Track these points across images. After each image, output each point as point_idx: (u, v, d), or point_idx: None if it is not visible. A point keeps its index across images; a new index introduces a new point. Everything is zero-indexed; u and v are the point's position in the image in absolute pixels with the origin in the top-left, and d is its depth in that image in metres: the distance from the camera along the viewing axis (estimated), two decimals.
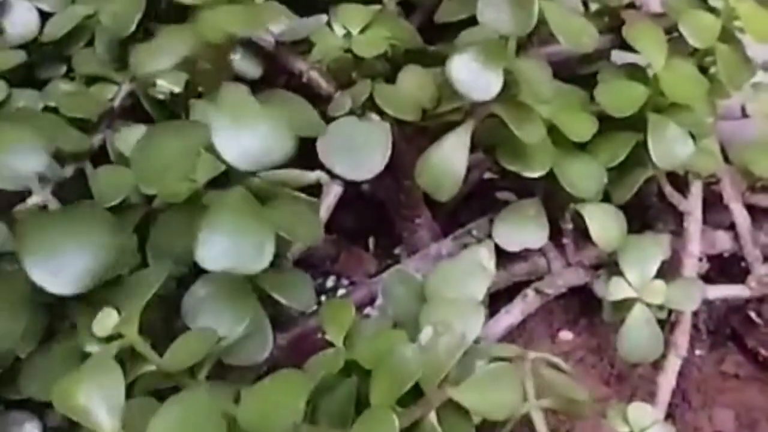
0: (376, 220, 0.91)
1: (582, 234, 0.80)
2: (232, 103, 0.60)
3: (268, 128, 0.60)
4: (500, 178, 0.93)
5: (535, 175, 0.76)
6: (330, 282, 0.89)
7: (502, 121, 0.72)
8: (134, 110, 0.75)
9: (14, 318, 0.60)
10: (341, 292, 0.88)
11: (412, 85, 0.74)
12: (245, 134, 0.60)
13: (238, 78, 0.73)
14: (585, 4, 0.88)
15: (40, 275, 0.57)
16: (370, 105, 0.73)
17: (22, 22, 0.78)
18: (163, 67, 0.69)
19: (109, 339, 0.59)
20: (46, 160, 0.58)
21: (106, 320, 0.59)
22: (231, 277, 0.63)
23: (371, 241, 0.93)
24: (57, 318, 0.65)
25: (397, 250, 0.90)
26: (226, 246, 0.59)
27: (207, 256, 0.58)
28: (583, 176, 0.77)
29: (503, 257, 0.81)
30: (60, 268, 0.57)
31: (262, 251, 0.59)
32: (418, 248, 0.84)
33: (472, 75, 0.69)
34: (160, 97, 0.73)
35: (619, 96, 0.77)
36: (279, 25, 0.74)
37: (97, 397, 0.54)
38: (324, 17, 0.75)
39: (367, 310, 0.81)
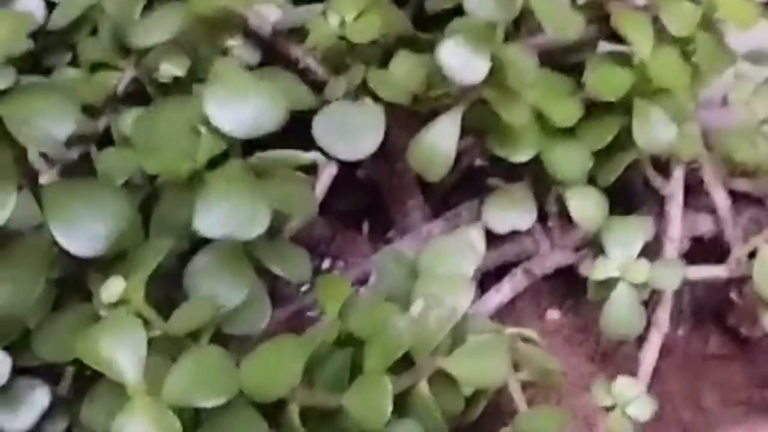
0: (371, 204, 0.93)
1: (568, 217, 0.82)
2: (224, 76, 0.62)
3: (260, 98, 0.62)
4: (490, 165, 0.96)
5: (522, 159, 0.79)
6: (326, 264, 0.90)
7: (490, 107, 0.74)
8: (138, 96, 0.77)
9: (33, 281, 0.62)
10: (336, 273, 0.89)
11: (404, 71, 0.76)
12: (238, 104, 0.62)
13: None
14: None
15: (64, 237, 0.61)
16: (364, 89, 0.76)
17: (28, 11, 0.80)
18: (157, 41, 0.72)
19: (116, 305, 0.61)
20: (75, 124, 0.60)
21: (114, 287, 0.61)
22: (229, 248, 0.65)
23: (365, 224, 0.95)
24: (67, 291, 0.68)
25: (390, 234, 0.91)
26: (222, 214, 0.61)
27: (205, 224, 0.61)
28: (567, 160, 0.80)
29: (493, 239, 0.83)
30: (80, 232, 0.61)
31: (257, 219, 0.61)
32: (410, 230, 0.87)
33: (461, 60, 0.71)
34: (164, 80, 0.75)
35: (607, 80, 0.79)
36: (275, 12, 0.76)
37: (120, 348, 0.57)
38: (319, 6, 0.78)
39: (361, 290, 0.83)
